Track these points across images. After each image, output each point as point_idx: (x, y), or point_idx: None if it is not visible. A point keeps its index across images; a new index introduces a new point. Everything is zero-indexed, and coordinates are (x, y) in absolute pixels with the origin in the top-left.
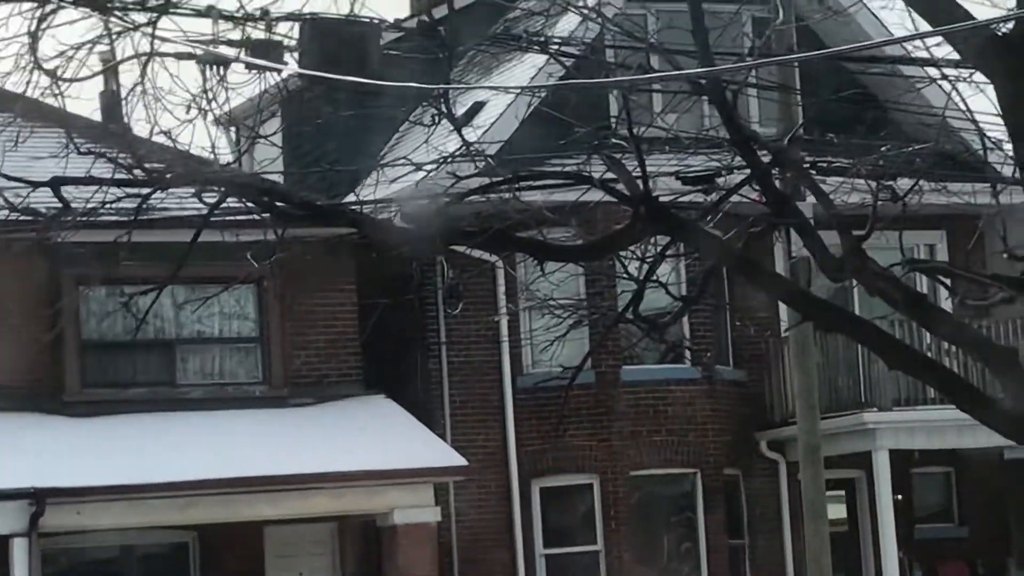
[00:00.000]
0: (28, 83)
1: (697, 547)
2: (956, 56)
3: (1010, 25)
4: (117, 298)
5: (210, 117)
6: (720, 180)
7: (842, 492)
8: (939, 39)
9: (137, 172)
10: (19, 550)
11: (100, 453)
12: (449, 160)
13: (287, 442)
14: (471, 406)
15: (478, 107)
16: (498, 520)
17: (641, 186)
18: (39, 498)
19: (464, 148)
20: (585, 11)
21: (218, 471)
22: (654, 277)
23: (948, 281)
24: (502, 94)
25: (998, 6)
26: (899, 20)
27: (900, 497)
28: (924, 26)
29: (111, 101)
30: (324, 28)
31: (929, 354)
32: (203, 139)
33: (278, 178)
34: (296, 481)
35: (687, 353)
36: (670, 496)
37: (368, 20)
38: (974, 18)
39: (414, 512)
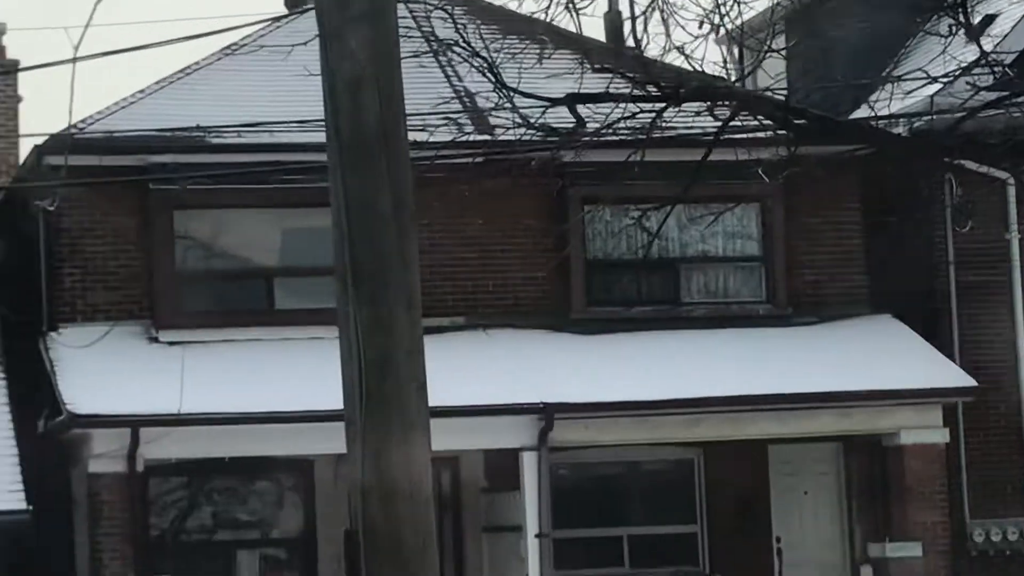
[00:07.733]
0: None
1: None
2: None
3: None
4: (622, 217)
5: (721, 32)
6: None
7: None
8: None
9: (650, 88)
10: (529, 463)
11: (606, 370)
12: (966, 72)
13: (791, 361)
14: (981, 327)
15: (988, 20)
16: (1008, 443)
17: None
18: (548, 413)
19: (981, 58)
20: None
21: (723, 389)
22: None
23: None
24: (1017, 6)
25: None
26: None
27: None
28: None
29: (615, 22)
30: None
31: None
32: (714, 55)
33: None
34: (802, 400)
35: None
36: None
37: None
38: None
39: (921, 433)
